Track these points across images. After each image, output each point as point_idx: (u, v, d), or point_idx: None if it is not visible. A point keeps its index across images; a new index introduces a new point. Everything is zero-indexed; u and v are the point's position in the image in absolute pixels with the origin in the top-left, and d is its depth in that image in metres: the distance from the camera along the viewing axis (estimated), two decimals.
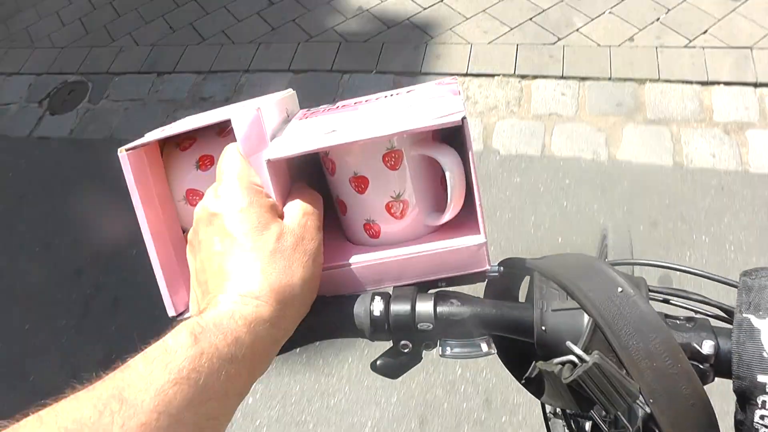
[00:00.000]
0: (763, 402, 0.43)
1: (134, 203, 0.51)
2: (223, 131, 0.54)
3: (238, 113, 0.50)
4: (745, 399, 0.44)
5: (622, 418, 0.53)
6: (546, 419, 0.62)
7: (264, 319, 0.44)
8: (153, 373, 0.38)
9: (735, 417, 0.45)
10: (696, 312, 0.51)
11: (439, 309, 0.48)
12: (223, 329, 0.42)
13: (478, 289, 0.55)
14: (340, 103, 0.59)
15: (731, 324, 0.49)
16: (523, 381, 0.52)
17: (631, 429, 0.54)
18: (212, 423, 0.40)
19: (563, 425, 0.80)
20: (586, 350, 0.45)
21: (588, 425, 0.72)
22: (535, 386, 0.51)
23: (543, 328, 0.47)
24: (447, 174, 0.48)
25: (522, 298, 0.55)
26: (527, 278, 0.55)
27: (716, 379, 0.46)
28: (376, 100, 0.56)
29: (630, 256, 1.08)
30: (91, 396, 0.36)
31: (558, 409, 0.85)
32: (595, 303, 0.46)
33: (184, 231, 0.55)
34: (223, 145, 0.51)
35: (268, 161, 0.48)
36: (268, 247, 0.46)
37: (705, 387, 0.45)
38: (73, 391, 0.37)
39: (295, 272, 0.47)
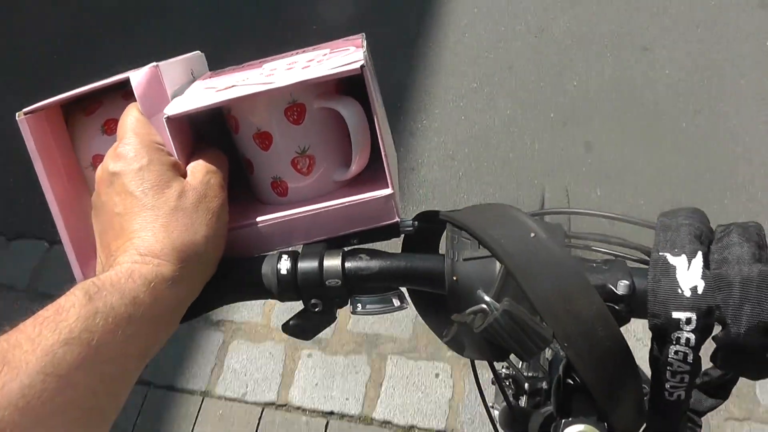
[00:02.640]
0: (677, 338, 0.43)
1: (37, 171, 0.50)
2: (127, 94, 0.52)
3: (137, 72, 0.48)
4: (660, 336, 0.44)
5: (539, 364, 0.52)
6: (477, 382, 0.61)
7: (165, 278, 0.42)
8: (42, 334, 0.36)
9: (650, 353, 0.45)
10: (617, 256, 0.50)
11: (347, 264, 0.47)
12: (120, 288, 0.40)
13: (396, 247, 0.53)
14: (246, 63, 0.57)
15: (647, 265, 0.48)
16: (444, 339, 0.51)
17: (547, 373, 0.53)
18: (108, 386, 0.39)
19: (506, 386, 0.79)
20: (497, 298, 0.44)
21: (527, 385, 0.71)
22: (455, 343, 0.50)
23: (454, 278, 0.46)
24: (350, 126, 0.47)
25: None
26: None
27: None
28: (281, 58, 0.54)
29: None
30: None
31: (507, 372, 0.85)
32: (506, 249, 0.45)
33: None
34: None
35: (168, 118, 0.47)
36: (169, 204, 0.45)
37: (622, 328, 0.45)
38: None
39: (198, 230, 0.45)
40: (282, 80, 0.45)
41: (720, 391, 0.50)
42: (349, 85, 0.51)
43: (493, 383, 0.92)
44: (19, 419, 0.34)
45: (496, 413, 0.77)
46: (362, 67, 0.44)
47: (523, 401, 0.82)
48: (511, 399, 0.74)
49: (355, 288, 0.47)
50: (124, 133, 0.47)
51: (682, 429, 0.49)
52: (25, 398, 0.34)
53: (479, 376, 0.65)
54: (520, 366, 0.78)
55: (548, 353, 0.76)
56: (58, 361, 0.36)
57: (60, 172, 0.51)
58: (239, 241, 0.50)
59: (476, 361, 0.64)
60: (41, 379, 0.35)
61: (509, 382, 0.75)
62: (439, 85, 2.38)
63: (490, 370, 0.62)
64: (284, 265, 0.47)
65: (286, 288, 0.47)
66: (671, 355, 0.43)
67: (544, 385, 0.69)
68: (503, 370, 0.79)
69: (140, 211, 0.45)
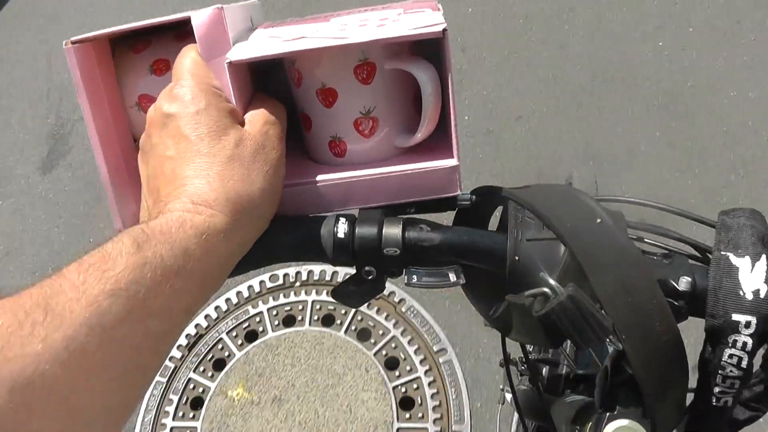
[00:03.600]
0: (734, 341, 0.42)
1: (81, 104, 0.48)
2: (181, 36, 0.51)
3: (199, 12, 0.46)
4: (716, 338, 0.43)
5: (593, 355, 0.52)
6: (507, 364, 0.60)
7: (218, 230, 0.40)
8: (87, 282, 0.34)
9: (702, 356, 0.44)
10: (672, 251, 0.49)
11: (407, 234, 0.45)
12: (170, 238, 0.38)
13: (447, 220, 0.52)
14: (309, 17, 0.55)
15: (705, 263, 0.47)
16: (490, 317, 0.50)
17: (601, 366, 0.52)
18: (152, 342, 0.37)
19: (517, 372, 0.79)
20: (560, 282, 0.43)
21: (545, 370, 0.71)
22: (501, 323, 0.49)
23: (516, 257, 0.45)
24: (423, 90, 0.45)
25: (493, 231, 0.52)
26: (498, 211, 0.53)
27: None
28: (349, 14, 0.52)
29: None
30: (13, 304, 0.32)
31: (514, 356, 0.84)
32: (572, 233, 0.44)
33: (136, 141, 0.51)
34: (180, 50, 0.47)
35: (230, 63, 0.45)
36: (226, 152, 0.43)
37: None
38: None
39: (255, 182, 0.43)
40: (358, 36, 0.44)
41: (761, 402, 0.49)
42: (421, 49, 0.49)
43: (501, 365, 0.92)
44: (61, 374, 0.31)
45: (508, 396, 0.77)
46: (444, 30, 0.43)
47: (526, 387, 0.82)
48: (526, 385, 0.73)
49: (413, 259, 0.46)
50: (181, 74, 0.45)
51: None
52: (68, 350, 0.32)
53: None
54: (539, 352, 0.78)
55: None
56: (104, 312, 0.33)
57: (104, 107, 0.49)
58: (292, 199, 0.48)
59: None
60: (85, 331, 0.32)
61: (525, 367, 0.75)
62: None
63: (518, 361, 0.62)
64: (342, 228, 0.45)
65: (342, 252, 0.45)
66: (725, 358, 0.43)
67: (564, 371, 0.69)
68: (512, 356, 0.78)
69: (194, 157, 0.42)
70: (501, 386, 0.87)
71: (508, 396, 0.76)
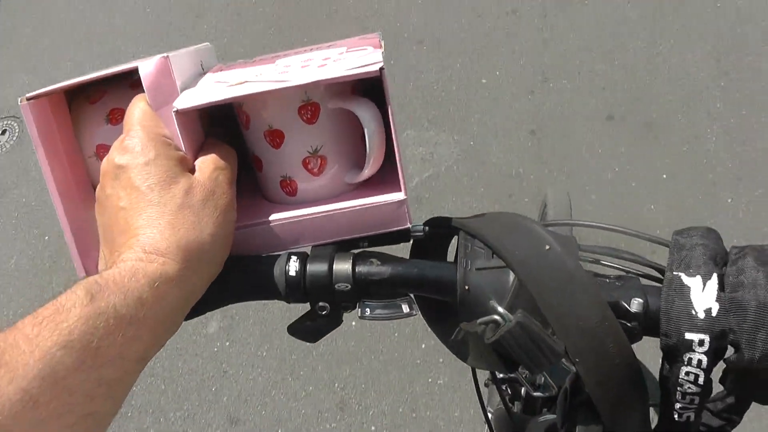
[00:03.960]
0: (689, 359, 0.42)
1: (39, 159, 0.48)
2: (135, 83, 0.51)
3: (146, 62, 0.47)
4: (672, 356, 0.43)
5: (548, 378, 0.52)
6: (477, 386, 0.60)
7: (170, 277, 0.41)
8: (40, 335, 0.35)
9: (661, 373, 0.45)
10: (628, 272, 0.50)
11: (357, 269, 0.46)
12: (123, 288, 0.39)
13: (405, 251, 0.53)
14: (257, 58, 0.56)
15: (660, 283, 0.48)
16: (448, 344, 0.50)
17: (555, 389, 0.52)
18: (106, 389, 0.37)
19: (502, 391, 0.79)
20: (510, 310, 0.43)
21: (523, 390, 0.71)
22: (459, 349, 0.49)
23: (466, 287, 0.45)
24: (365, 128, 0.46)
25: (451, 259, 0.53)
26: (456, 239, 0.53)
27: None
28: (295, 54, 0.53)
29: (569, 218, 1.08)
30: None
31: (490, 377, 0.84)
32: (521, 261, 0.44)
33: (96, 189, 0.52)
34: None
35: (177, 111, 0.46)
36: (176, 201, 0.43)
37: (634, 345, 0.44)
38: None
39: (205, 228, 0.44)
40: (297, 78, 0.44)
41: (733, 414, 0.50)
42: (363, 85, 0.49)
43: (486, 385, 0.91)
44: (12, 425, 0.32)
45: (490, 415, 0.77)
46: (381, 69, 0.43)
47: (515, 407, 0.82)
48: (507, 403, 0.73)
49: (365, 293, 0.46)
50: (131, 126, 0.46)
51: None
52: (21, 403, 0.33)
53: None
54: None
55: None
56: (56, 364, 0.34)
57: (62, 160, 0.50)
58: (245, 240, 0.49)
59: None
60: (38, 384, 0.33)
61: (506, 386, 0.75)
62: None
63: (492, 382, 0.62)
64: (293, 266, 0.46)
65: (295, 290, 0.46)
66: (682, 375, 0.43)
67: (541, 392, 0.69)
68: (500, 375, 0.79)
69: (146, 207, 0.43)
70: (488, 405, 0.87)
71: (490, 414, 0.76)
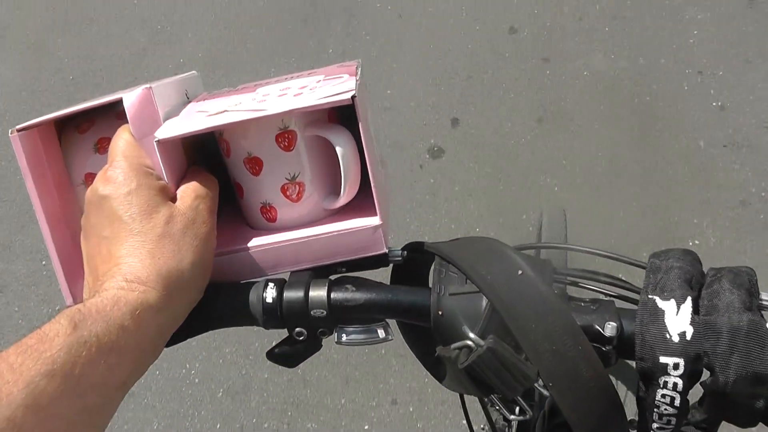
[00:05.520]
0: (665, 382, 0.42)
1: (28, 189, 0.49)
2: (121, 114, 0.52)
3: (130, 93, 0.48)
4: (648, 379, 0.43)
5: (522, 403, 0.52)
6: (464, 406, 0.61)
7: (150, 305, 0.42)
8: (24, 364, 0.35)
9: (637, 394, 0.45)
10: (607, 295, 0.50)
11: (333, 295, 0.47)
12: (106, 316, 0.40)
13: (385, 275, 0.53)
14: (241, 86, 0.57)
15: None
16: (427, 367, 0.51)
17: (530, 413, 0.52)
18: (88, 417, 0.38)
19: (496, 408, 0.78)
20: (482, 334, 0.43)
21: (517, 410, 0.71)
22: (437, 372, 0.50)
23: (440, 312, 0.46)
24: (339, 155, 0.47)
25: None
26: None
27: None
28: (275, 82, 0.54)
29: (563, 237, 1.07)
30: None
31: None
32: (492, 286, 0.44)
33: None
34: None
35: (158, 141, 0.47)
36: (156, 230, 0.44)
37: (610, 369, 0.44)
38: None
39: (185, 257, 0.45)
40: (273, 108, 0.45)
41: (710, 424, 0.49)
42: (341, 113, 0.50)
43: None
44: None
45: None
46: (353, 97, 0.44)
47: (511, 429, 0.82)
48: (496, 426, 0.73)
49: (341, 318, 0.47)
50: (114, 156, 0.47)
51: None
52: (6, 431, 0.34)
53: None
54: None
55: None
56: (40, 392, 0.35)
57: (51, 189, 0.51)
58: (226, 266, 0.49)
59: None
60: (22, 412, 0.34)
61: (497, 408, 0.75)
62: None
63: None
64: (270, 293, 0.47)
65: (271, 317, 0.47)
66: (658, 398, 0.43)
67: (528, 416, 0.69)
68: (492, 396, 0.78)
69: (127, 237, 0.44)
70: (482, 426, 0.86)
71: None
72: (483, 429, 0.86)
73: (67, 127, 0.53)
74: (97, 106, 0.50)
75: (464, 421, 0.61)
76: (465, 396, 0.65)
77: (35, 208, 0.50)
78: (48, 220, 0.50)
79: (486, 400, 0.64)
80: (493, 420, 0.70)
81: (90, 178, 0.52)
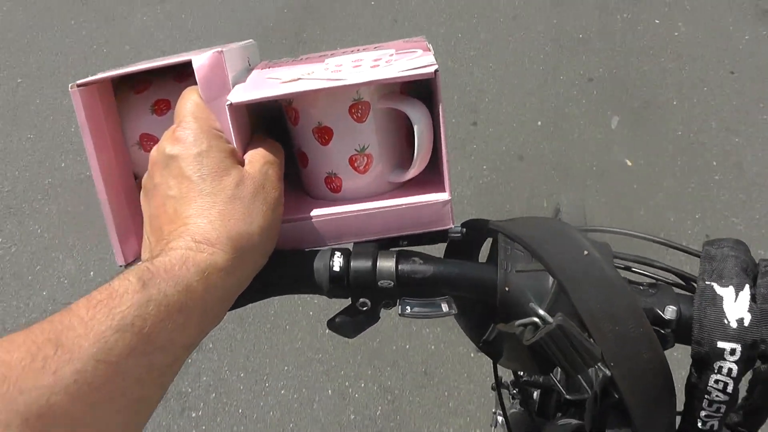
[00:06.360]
0: (720, 367, 0.44)
1: (85, 144, 0.49)
2: (180, 77, 0.52)
3: (200, 56, 0.47)
4: (703, 364, 0.44)
5: (582, 381, 0.53)
6: (498, 388, 0.62)
7: (219, 267, 0.42)
8: (95, 318, 0.35)
9: (688, 380, 0.46)
10: (658, 280, 0.51)
11: (400, 267, 0.47)
12: (174, 276, 0.39)
13: (439, 251, 0.54)
14: (303, 56, 0.57)
15: (690, 292, 0.49)
16: (480, 344, 0.51)
17: (590, 392, 0.53)
18: (155, 374, 0.38)
19: (509, 395, 0.80)
20: (549, 312, 0.44)
21: (536, 394, 0.72)
22: (492, 349, 0.50)
23: (506, 288, 0.46)
24: (415, 128, 0.47)
25: (483, 261, 0.54)
26: (488, 242, 0.54)
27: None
28: (342, 54, 0.54)
29: (583, 225, 1.08)
30: (25, 338, 0.33)
31: (505, 380, 0.85)
32: (560, 265, 0.45)
33: (137, 178, 0.53)
34: (180, 91, 0.48)
35: (230, 105, 0.46)
36: (227, 192, 0.44)
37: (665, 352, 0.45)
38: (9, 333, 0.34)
39: (255, 220, 0.45)
40: (353, 78, 0.45)
41: (746, 426, 0.51)
42: (409, 86, 0.50)
43: (492, 389, 0.92)
44: (69, 405, 0.33)
45: (500, 419, 0.78)
46: (436, 71, 0.44)
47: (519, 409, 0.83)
48: (518, 408, 0.74)
49: (406, 291, 0.47)
50: (183, 117, 0.46)
51: None
52: (77, 384, 0.33)
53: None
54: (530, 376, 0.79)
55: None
56: (110, 347, 0.35)
57: (107, 146, 0.51)
58: (289, 234, 0.49)
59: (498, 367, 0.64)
60: (93, 365, 0.34)
61: (517, 390, 0.76)
62: None
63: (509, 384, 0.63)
64: (337, 262, 0.47)
65: (337, 286, 0.47)
66: (711, 383, 0.44)
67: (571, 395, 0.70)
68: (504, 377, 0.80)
69: (197, 197, 0.44)
70: (493, 410, 0.88)
71: (500, 419, 0.77)
72: (494, 413, 0.87)
73: (122, 87, 0.53)
74: (160, 66, 0.49)
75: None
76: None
77: (90, 164, 0.50)
78: (102, 176, 0.50)
79: (520, 382, 0.65)
80: (506, 407, 0.71)
81: (145, 138, 0.52)
